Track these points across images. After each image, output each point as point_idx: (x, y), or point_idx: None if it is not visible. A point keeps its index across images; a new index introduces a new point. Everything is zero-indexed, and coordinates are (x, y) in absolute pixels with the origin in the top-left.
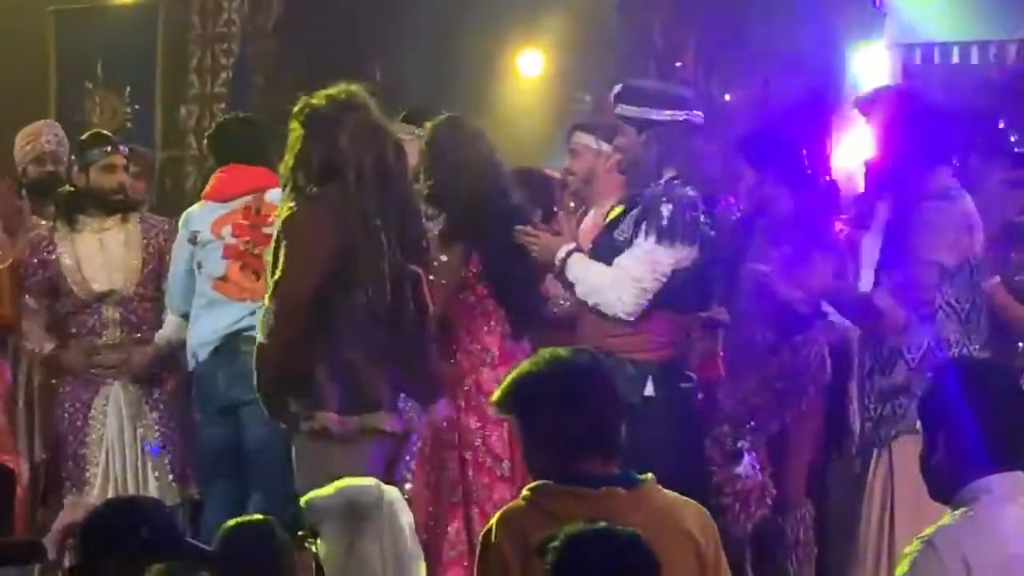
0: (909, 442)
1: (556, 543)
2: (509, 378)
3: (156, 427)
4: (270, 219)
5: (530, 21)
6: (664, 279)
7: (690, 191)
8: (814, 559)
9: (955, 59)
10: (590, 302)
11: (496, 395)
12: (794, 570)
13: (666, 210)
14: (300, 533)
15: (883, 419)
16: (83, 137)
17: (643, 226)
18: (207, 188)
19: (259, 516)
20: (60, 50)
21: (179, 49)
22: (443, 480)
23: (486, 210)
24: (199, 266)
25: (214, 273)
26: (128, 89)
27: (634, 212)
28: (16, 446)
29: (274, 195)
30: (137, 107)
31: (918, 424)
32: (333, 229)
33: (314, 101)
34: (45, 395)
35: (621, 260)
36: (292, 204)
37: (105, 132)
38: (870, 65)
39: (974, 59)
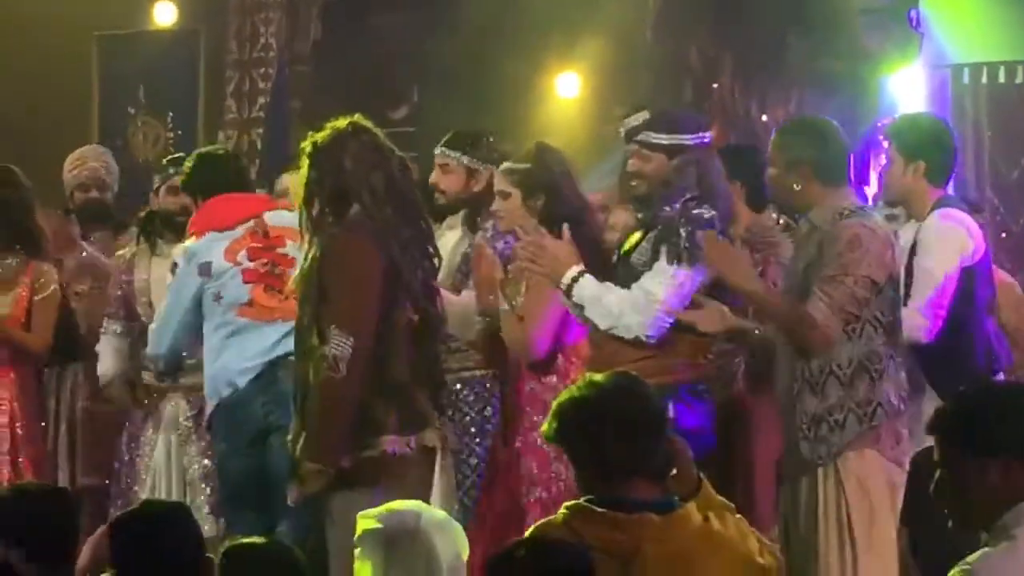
0: (851, 458)
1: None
2: (554, 405)
3: (199, 456)
4: (282, 239)
5: (567, 44)
6: (687, 300)
7: (707, 211)
8: None
9: (1002, 79)
10: (604, 325)
11: (544, 425)
12: None
13: (684, 232)
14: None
15: (820, 439)
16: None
17: (663, 249)
18: (201, 220)
19: (263, 539)
20: (103, 75)
21: (218, 74)
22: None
23: (584, 233)
24: (217, 297)
25: (238, 300)
26: (170, 114)
27: (651, 236)
28: (54, 472)
29: (273, 217)
30: (179, 132)
31: (857, 439)
32: (374, 250)
33: (320, 135)
34: (90, 420)
35: (643, 283)
36: (318, 235)
37: (177, 155)
38: (907, 86)
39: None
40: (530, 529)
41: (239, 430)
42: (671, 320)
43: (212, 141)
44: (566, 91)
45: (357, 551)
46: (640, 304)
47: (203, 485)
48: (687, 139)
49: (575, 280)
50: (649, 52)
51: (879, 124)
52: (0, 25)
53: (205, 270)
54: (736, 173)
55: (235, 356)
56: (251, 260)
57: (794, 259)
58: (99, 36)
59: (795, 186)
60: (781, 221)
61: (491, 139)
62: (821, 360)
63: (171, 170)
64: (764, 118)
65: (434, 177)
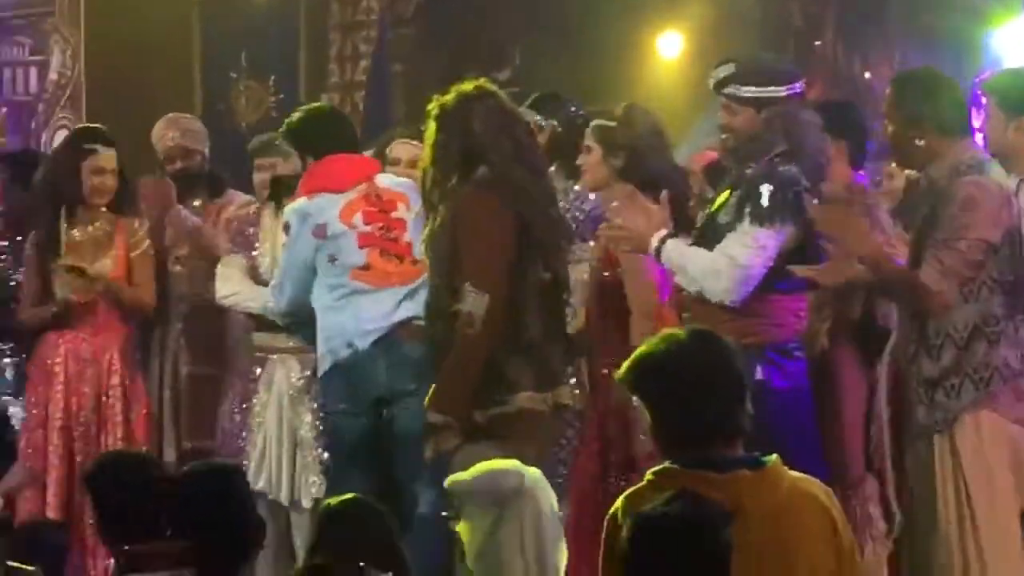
0: (967, 423)
1: (631, 522)
2: (633, 356)
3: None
4: (394, 203)
5: (670, 3)
6: (771, 262)
7: (792, 168)
8: (888, 539)
9: None
10: (692, 289)
11: (620, 372)
12: (868, 549)
13: (766, 191)
14: (444, 515)
15: (936, 404)
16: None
17: (745, 209)
18: (314, 180)
19: (357, 496)
20: (205, 40)
21: (320, 38)
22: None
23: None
24: (332, 259)
25: (354, 263)
26: (272, 78)
27: (737, 194)
28: (160, 434)
29: (383, 179)
30: (281, 96)
31: (972, 404)
32: (506, 209)
33: (446, 98)
34: (193, 383)
35: (725, 245)
36: (447, 195)
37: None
38: (1011, 41)
39: None
40: (620, 498)
41: (357, 392)
42: (754, 283)
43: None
44: (669, 51)
45: (462, 510)
46: (721, 268)
47: (314, 445)
48: (775, 91)
49: (662, 243)
50: (752, 10)
51: (980, 79)
52: None
53: (320, 231)
54: (837, 130)
55: (352, 318)
56: (366, 224)
57: (912, 215)
58: (201, 2)
59: (916, 141)
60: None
61: (562, 99)
62: (936, 323)
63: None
64: (867, 75)
65: None
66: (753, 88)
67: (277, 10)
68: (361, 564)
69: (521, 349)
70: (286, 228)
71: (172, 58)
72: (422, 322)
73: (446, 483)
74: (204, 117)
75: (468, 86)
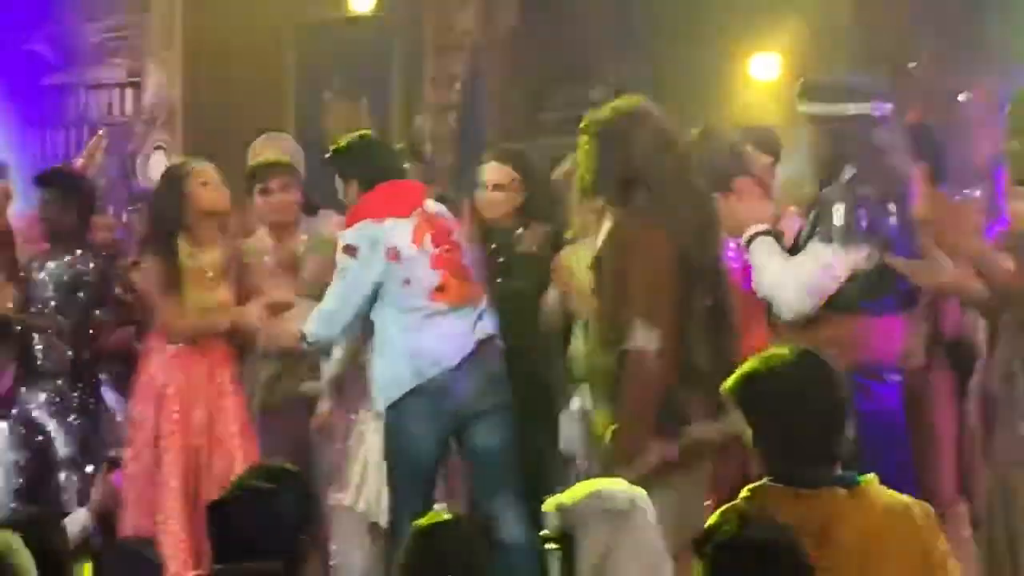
0: None
1: (708, 546)
2: (740, 370)
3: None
4: (450, 227)
5: (766, 25)
6: (838, 282)
7: (867, 188)
8: (976, 560)
9: None
10: (761, 294)
11: (727, 385)
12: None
13: (838, 211)
14: (542, 534)
15: None
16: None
17: (818, 227)
18: (376, 205)
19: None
20: (298, 62)
21: (413, 60)
22: None
23: None
24: (407, 281)
25: (430, 285)
26: (364, 100)
27: (813, 213)
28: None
29: (431, 205)
30: (374, 117)
31: None
32: (669, 239)
33: (602, 114)
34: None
35: (793, 261)
36: (606, 221)
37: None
38: None
39: None
40: (713, 514)
41: (441, 412)
42: (815, 300)
43: (407, 126)
44: (761, 71)
45: (571, 534)
46: (786, 282)
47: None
48: (844, 109)
49: (751, 239)
50: (846, 31)
51: None
52: (197, 16)
53: (393, 254)
54: (915, 152)
55: (436, 338)
56: (436, 246)
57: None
58: (296, 25)
59: None
60: None
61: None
62: None
63: None
64: (961, 97)
65: None
66: (819, 105)
67: (371, 32)
68: None
69: (690, 380)
70: (351, 252)
71: (266, 79)
72: (499, 340)
73: (548, 503)
74: (296, 137)
75: (626, 103)
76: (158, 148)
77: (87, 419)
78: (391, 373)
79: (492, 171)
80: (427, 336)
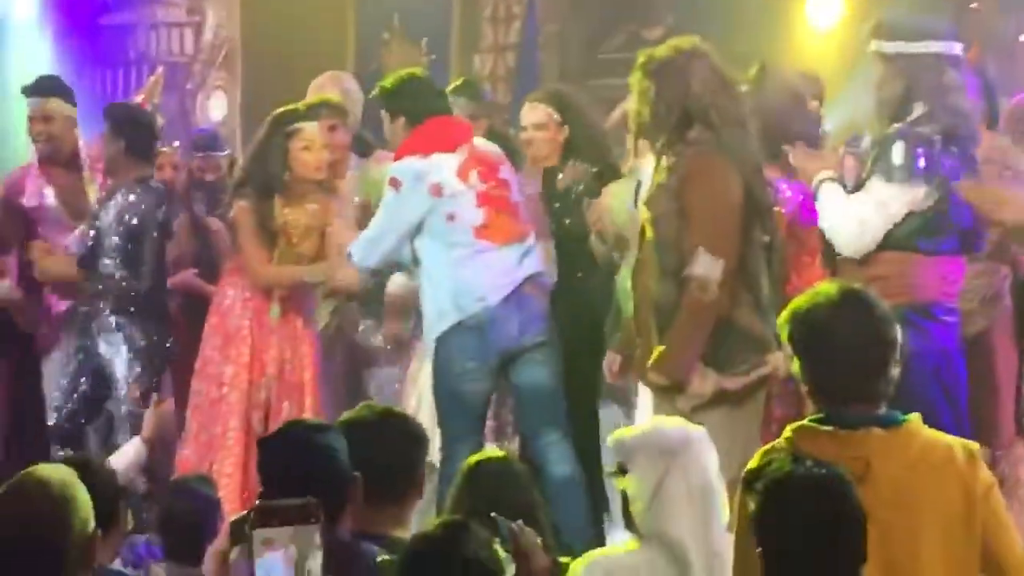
0: None
1: (760, 484)
2: (788, 308)
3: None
4: (498, 164)
5: None
6: (894, 220)
7: (928, 129)
8: None
9: None
10: (827, 236)
11: (780, 319)
12: (1017, 510)
13: (897, 149)
14: (609, 470)
15: None
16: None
17: (877, 166)
18: (423, 140)
19: (500, 453)
20: (359, 1)
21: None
22: None
23: None
24: (451, 217)
25: (474, 222)
26: (425, 40)
27: (874, 152)
28: None
29: (480, 142)
30: (433, 57)
31: None
32: (733, 173)
33: (659, 52)
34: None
35: (852, 199)
36: (667, 154)
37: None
38: None
39: None
40: (756, 455)
41: (488, 348)
42: (872, 238)
43: (466, 66)
44: (821, 15)
45: (624, 461)
46: (844, 221)
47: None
48: (918, 47)
49: (820, 184)
50: None
51: None
52: None
53: (436, 189)
54: (978, 93)
55: (481, 274)
56: (482, 182)
57: None
58: None
59: None
60: None
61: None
62: None
63: None
64: (1021, 38)
65: None
66: (887, 42)
67: None
68: (493, 515)
69: (762, 310)
70: (395, 185)
71: (326, 19)
72: (544, 278)
73: (611, 439)
74: (356, 76)
75: (683, 42)
76: (218, 88)
77: (149, 350)
78: (435, 307)
79: (530, 111)
80: (470, 271)
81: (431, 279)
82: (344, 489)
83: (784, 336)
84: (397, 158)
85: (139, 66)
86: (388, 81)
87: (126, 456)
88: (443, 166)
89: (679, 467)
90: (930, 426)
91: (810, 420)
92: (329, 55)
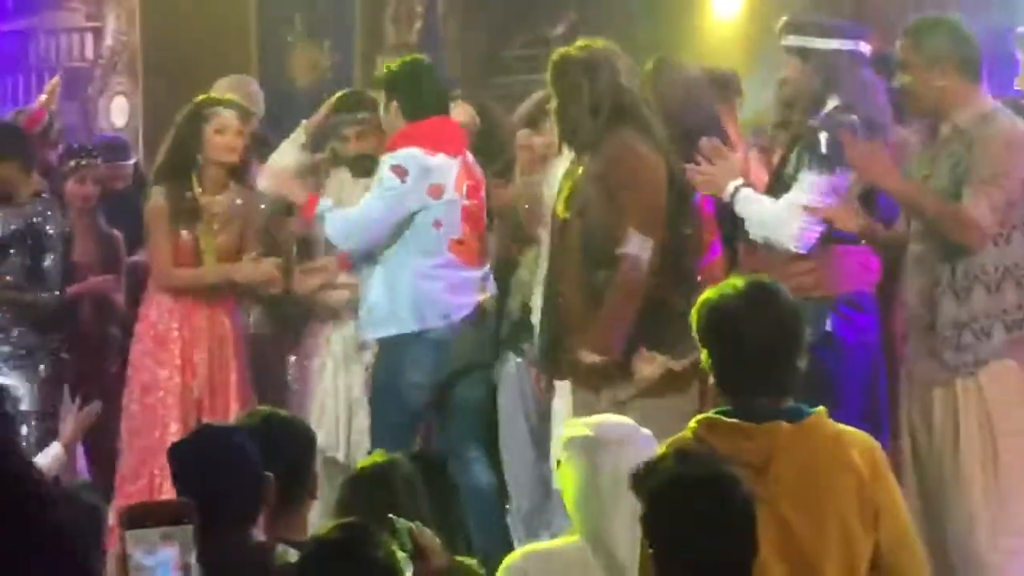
0: (995, 368)
1: (647, 484)
2: (698, 303)
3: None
4: (480, 182)
5: None
6: (832, 208)
7: (851, 116)
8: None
9: None
10: (759, 237)
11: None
12: None
13: (824, 138)
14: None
15: (963, 347)
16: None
17: (805, 157)
18: (431, 136)
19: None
20: (262, 4)
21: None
22: None
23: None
24: (437, 224)
25: (453, 235)
26: (327, 41)
27: (800, 144)
28: None
29: (469, 155)
30: (337, 58)
31: (1004, 348)
32: (659, 158)
33: (577, 51)
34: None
35: (790, 194)
36: (592, 144)
37: (351, 92)
38: None
39: None
40: (661, 445)
41: (440, 366)
42: (818, 230)
43: (369, 67)
44: (724, 8)
45: (563, 455)
46: (788, 216)
47: (366, 405)
48: (829, 43)
49: (736, 191)
50: None
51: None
52: None
53: (436, 191)
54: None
55: (448, 290)
56: (468, 198)
57: (935, 163)
58: None
59: (938, 83)
60: None
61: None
62: (965, 265)
63: (359, 115)
64: None
65: None
66: (807, 38)
67: None
68: (391, 516)
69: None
70: (400, 173)
71: (228, 21)
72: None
73: (562, 434)
74: (259, 79)
75: (596, 42)
76: (119, 93)
77: (54, 370)
78: (388, 309)
79: (462, 111)
80: (437, 285)
81: (387, 279)
82: (257, 490)
83: (694, 328)
84: (394, 146)
85: (39, 72)
86: (396, 63)
87: (43, 464)
88: (446, 169)
89: (610, 462)
90: (852, 418)
91: (715, 412)
92: (232, 58)
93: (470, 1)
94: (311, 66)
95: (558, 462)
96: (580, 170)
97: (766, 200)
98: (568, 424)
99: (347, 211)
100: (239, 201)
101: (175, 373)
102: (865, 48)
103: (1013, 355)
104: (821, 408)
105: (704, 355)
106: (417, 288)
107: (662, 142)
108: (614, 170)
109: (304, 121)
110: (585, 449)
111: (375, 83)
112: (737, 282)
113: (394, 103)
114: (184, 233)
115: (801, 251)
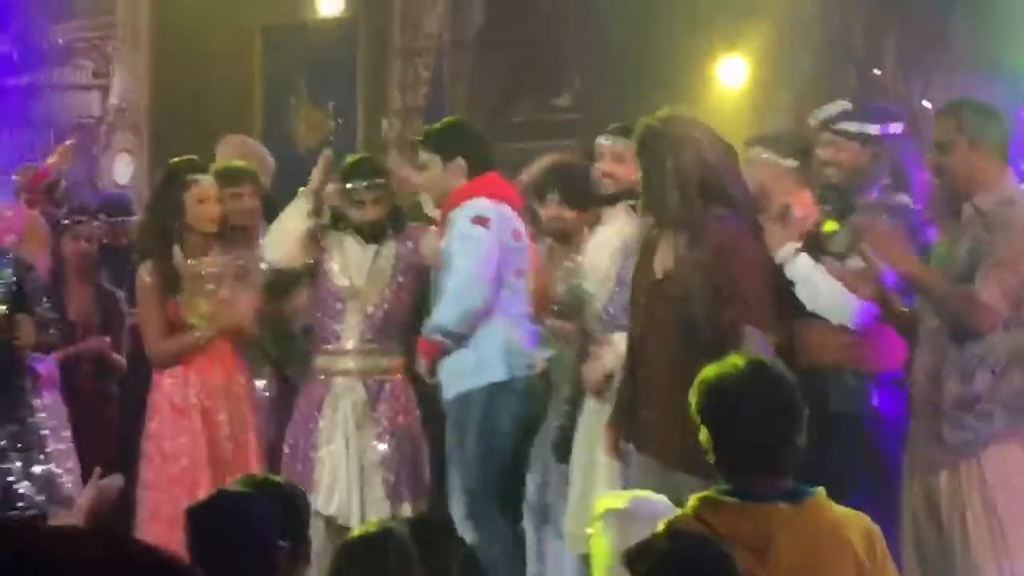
0: (995, 452)
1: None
2: (697, 380)
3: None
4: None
5: (731, 29)
6: (891, 287)
7: (904, 197)
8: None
9: None
10: (811, 306)
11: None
12: None
13: (884, 222)
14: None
15: (965, 427)
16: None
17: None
18: (494, 188)
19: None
20: (266, 66)
21: (380, 63)
22: None
23: None
24: (519, 272)
25: (528, 285)
26: (331, 104)
27: (851, 223)
28: None
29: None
30: (340, 121)
31: (1005, 434)
32: (763, 247)
33: (658, 125)
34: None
35: (852, 272)
36: (689, 227)
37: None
38: None
39: None
40: (661, 523)
41: (522, 417)
42: (877, 309)
43: (374, 130)
44: (730, 76)
45: (597, 526)
46: (851, 297)
47: (380, 470)
48: (881, 129)
49: (795, 254)
50: (813, 37)
51: None
52: (167, 19)
53: (517, 235)
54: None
55: (526, 340)
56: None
57: (953, 244)
58: (263, 27)
59: (979, 164)
60: None
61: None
62: (972, 346)
63: (364, 182)
64: (925, 104)
65: (607, 165)
66: (860, 125)
67: (337, 36)
68: None
69: None
70: (483, 223)
71: (233, 82)
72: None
73: (598, 505)
74: (264, 141)
75: (680, 113)
76: (124, 151)
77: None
78: (476, 358)
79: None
80: (522, 334)
81: (479, 330)
82: (271, 557)
83: (692, 406)
84: (456, 201)
85: (44, 128)
86: (443, 123)
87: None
88: (513, 217)
89: (640, 537)
90: (895, 488)
91: (716, 491)
92: (237, 119)
93: (476, 67)
94: (315, 128)
95: (591, 532)
96: (665, 240)
97: (822, 272)
98: (605, 496)
99: (443, 304)
100: (240, 262)
101: (199, 438)
102: (902, 129)
103: (1016, 440)
104: (821, 489)
105: (703, 434)
106: (506, 337)
107: (756, 223)
108: (724, 263)
109: (302, 189)
110: (618, 522)
111: (423, 144)
112: (737, 360)
113: (459, 160)
114: (180, 298)
115: (857, 327)
